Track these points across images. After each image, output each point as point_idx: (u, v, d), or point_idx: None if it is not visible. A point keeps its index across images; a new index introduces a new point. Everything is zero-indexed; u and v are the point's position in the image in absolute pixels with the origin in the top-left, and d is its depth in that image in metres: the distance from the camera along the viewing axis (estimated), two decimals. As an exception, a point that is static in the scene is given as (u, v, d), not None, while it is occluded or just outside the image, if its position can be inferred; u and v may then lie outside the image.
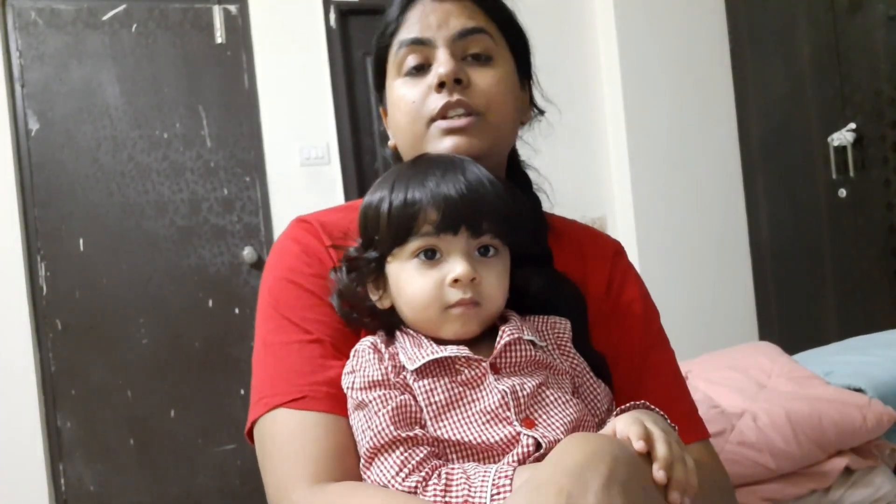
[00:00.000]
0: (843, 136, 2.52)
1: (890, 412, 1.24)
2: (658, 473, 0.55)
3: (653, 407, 0.67)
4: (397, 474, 0.62)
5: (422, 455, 0.63)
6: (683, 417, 0.78)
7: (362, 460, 0.66)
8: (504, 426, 0.65)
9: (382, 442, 0.64)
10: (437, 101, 0.77)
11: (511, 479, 0.59)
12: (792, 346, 1.76)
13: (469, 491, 0.59)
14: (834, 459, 1.21)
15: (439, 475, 0.61)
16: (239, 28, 2.73)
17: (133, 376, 2.58)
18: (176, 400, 2.63)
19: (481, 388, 0.68)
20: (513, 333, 0.70)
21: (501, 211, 0.70)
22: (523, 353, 0.70)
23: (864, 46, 2.48)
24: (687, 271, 3.00)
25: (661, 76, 3.01)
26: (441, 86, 0.77)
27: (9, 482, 2.39)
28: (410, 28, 0.80)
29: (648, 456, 0.57)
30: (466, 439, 0.65)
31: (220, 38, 2.70)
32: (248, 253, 2.70)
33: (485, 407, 0.66)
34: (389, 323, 0.74)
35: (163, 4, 2.67)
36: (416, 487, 0.61)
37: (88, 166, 2.58)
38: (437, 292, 0.69)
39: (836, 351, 1.60)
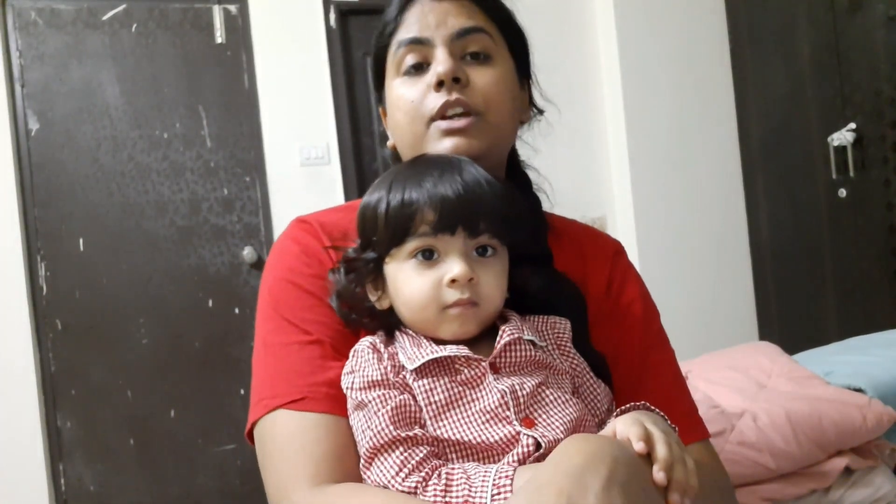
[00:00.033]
0: (843, 136, 2.52)
1: (890, 412, 1.24)
2: (658, 475, 0.55)
3: (653, 407, 0.67)
4: (397, 474, 0.62)
5: (422, 455, 0.63)
6: (683, 417, 0.78)
7: (362, 460, 0.66)
8: (504, 426, 0.65)
9: (382, 442, 0.64)
10: (436, 100, 0.77)
11: (512, 480, 0.58)
12: (792, 346, 1.76)
13: (469, 491, 0.59)
14: (834, 459, 1.21)
15: (439, 475, 0.61)
16: (239, 28, 2.73)
17: (133, 376, 2.58)
18: (176, 400, 2.62)
19: (481, 387, 0.68)
20: (513, 333, 0.70)
21: (499, 211, 0.70)
22: (523, 353, 0.70)
23: (864, 46, 2.48)
24: (687, 271, 3.00)
25: (661, 76, 3.01)
26: (440, 85, 0.77)
27: (9, 482, 2.39)
28: (409, 27, 0.80)
29: (649, 457, 0.57)
30: (466, 439, 0.65)
31: (220, 38, 2.70)
32: (248, 253, 2.69)
33: (484, 406, 0.66)
34: (389, 323, 0.74)
35: (163, 4, 2.67)
36: (416, 487, 0.61)
37: (88, 166, 2.58)
38: (434, 293, 0.69)
39: (836, 351, 1.60)
